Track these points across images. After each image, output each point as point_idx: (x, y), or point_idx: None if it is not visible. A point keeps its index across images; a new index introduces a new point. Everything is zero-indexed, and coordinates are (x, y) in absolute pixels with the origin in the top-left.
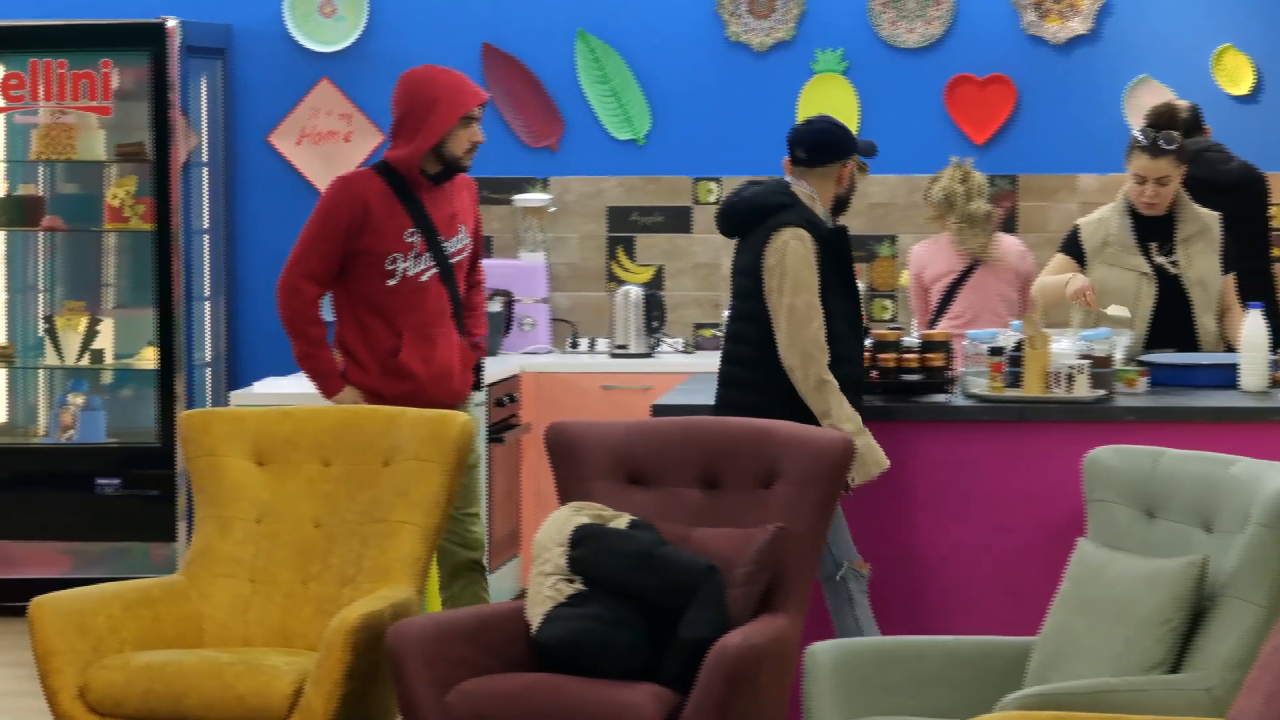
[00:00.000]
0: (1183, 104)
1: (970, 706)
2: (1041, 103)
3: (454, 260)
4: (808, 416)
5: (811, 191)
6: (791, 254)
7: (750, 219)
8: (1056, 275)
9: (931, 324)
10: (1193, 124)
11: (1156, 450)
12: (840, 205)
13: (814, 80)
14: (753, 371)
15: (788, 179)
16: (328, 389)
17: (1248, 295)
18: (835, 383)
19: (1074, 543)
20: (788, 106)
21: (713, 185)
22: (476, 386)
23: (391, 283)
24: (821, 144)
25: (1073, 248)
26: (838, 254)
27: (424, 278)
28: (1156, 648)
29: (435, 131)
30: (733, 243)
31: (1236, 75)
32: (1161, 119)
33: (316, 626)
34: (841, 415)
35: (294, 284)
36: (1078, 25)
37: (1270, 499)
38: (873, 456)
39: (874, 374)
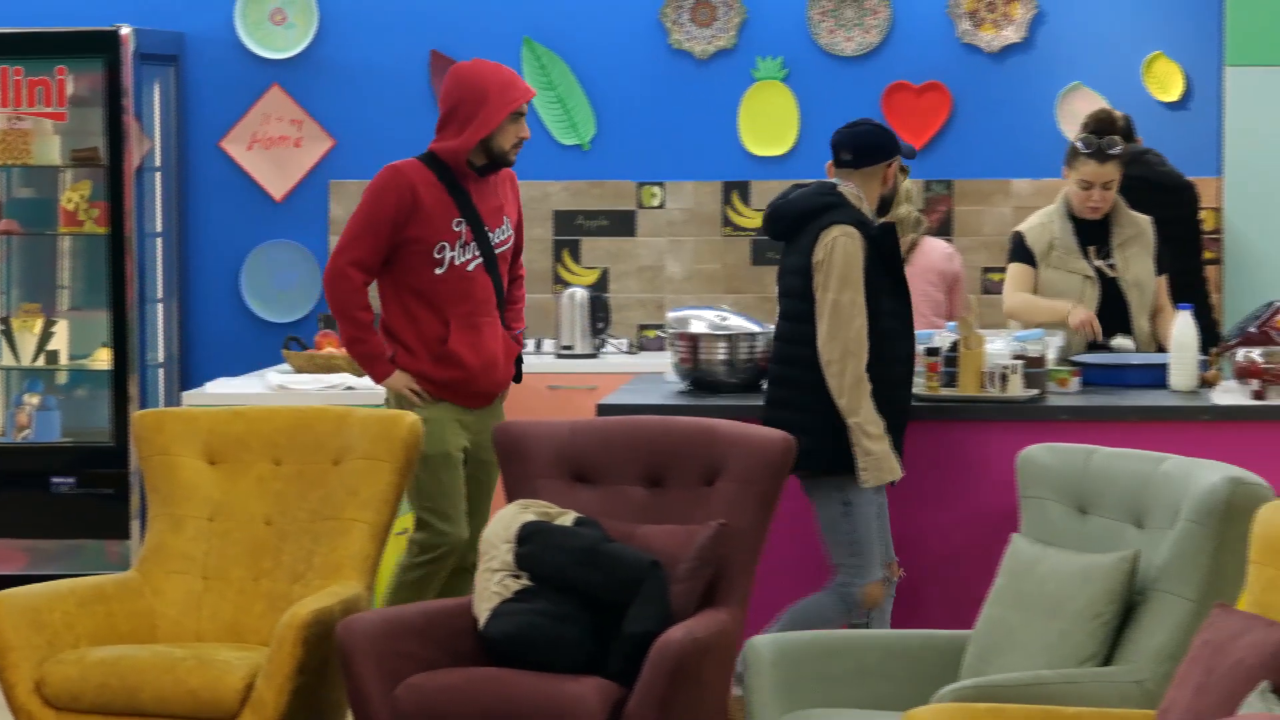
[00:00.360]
0: (1117, 112)
1: (907, 699)
2: (976, 109)
3: (499, 251)
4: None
5: (858, 192)
6: (840, 250)
7: (800, 221)
8: (1042, 300)
9: None
10: (1127, 130)
11: (1089, 448)
12: (884, 206)
13: (755, 87)
14: (804, 394)
15: (832, 180)
16: (378, 373)
17: (1179, 297)
18: (869, 385)
19: (1008, 538)
20: (729, 113)
21: (656, 190)
22: (516, 379)
23: (439, 271)
24: (867, 146)
25: (1023, 255)
26: (887, 253)
27: (470, 267)
28: (1089, 641)
29: (487, 125)
30: (674, 242)
31: (1166, 82)
32: (1103, 125)
33: (268, 622)
34: (868, 419)
35: (341, 270)
36: (1011, 34)
37: (1200, 496)
38: (888, 464)
39: None
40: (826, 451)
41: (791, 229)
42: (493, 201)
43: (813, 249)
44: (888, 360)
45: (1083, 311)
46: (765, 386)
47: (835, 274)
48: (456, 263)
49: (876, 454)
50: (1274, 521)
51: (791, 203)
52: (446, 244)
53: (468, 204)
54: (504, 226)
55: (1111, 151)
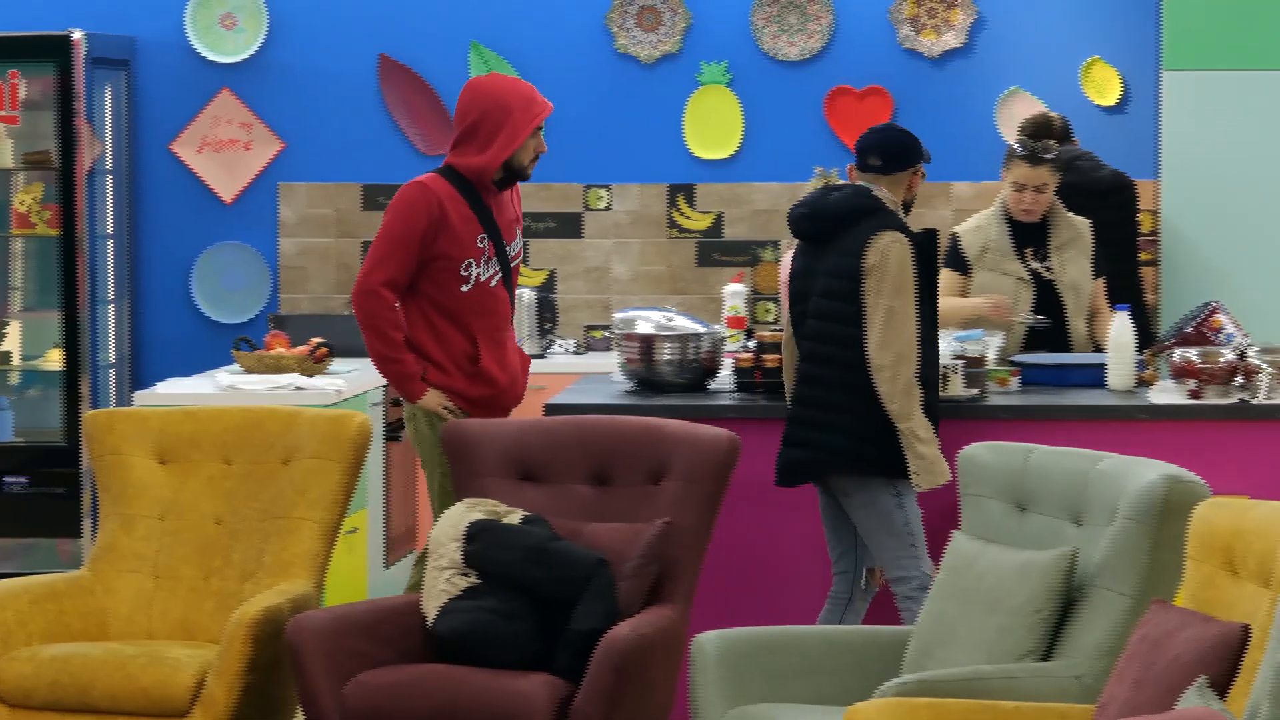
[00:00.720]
0: (1055, 115)
1: (850, 693)
2: (917, 113)
3: (513, 264)
4: (897, 453)
5: (891, 197)
6: (894, 256)
7: (839, 223)
8: (957, 299)
9: None
10: (1064, 134)
11: (1028, 446)
12: (905, 211)
13: (700, 91)
14: (834, 394)
15: (865, 185)
16: (412, 392)
17: (1116, 298)
18: (919, 390)
19: (949, 535)
20: (674, 116)
21: (602, 192)
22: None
23: (465, 288)
24: (897, 151)
25: (955, 258)
26: (928, 260)
27: (493, 283)
28: (1028, 636)
29: (513, 141)
30: (620, 244)
31: (1104, 87)
32: (1038, 129)
33: (218, 620)
34: (920, 423)
35: (373, 289)
36: (951, 39)
37: (1137, 494)
38: (939, 467)
39: (757, 374)
40: (868, 452)
41: (829, 230)
42: (509, 214)
43: (862, 252)
44: (925, 364)
45: (995, 298)
46: (797, 386)
47: (890, 280)
48: (482, 279)
49: (929, 458)
50: (1210, 519)
51: (831, 204)
52: (473, 260)
53: (490, 220)
54: (517, 239)
55: (1044, 155)
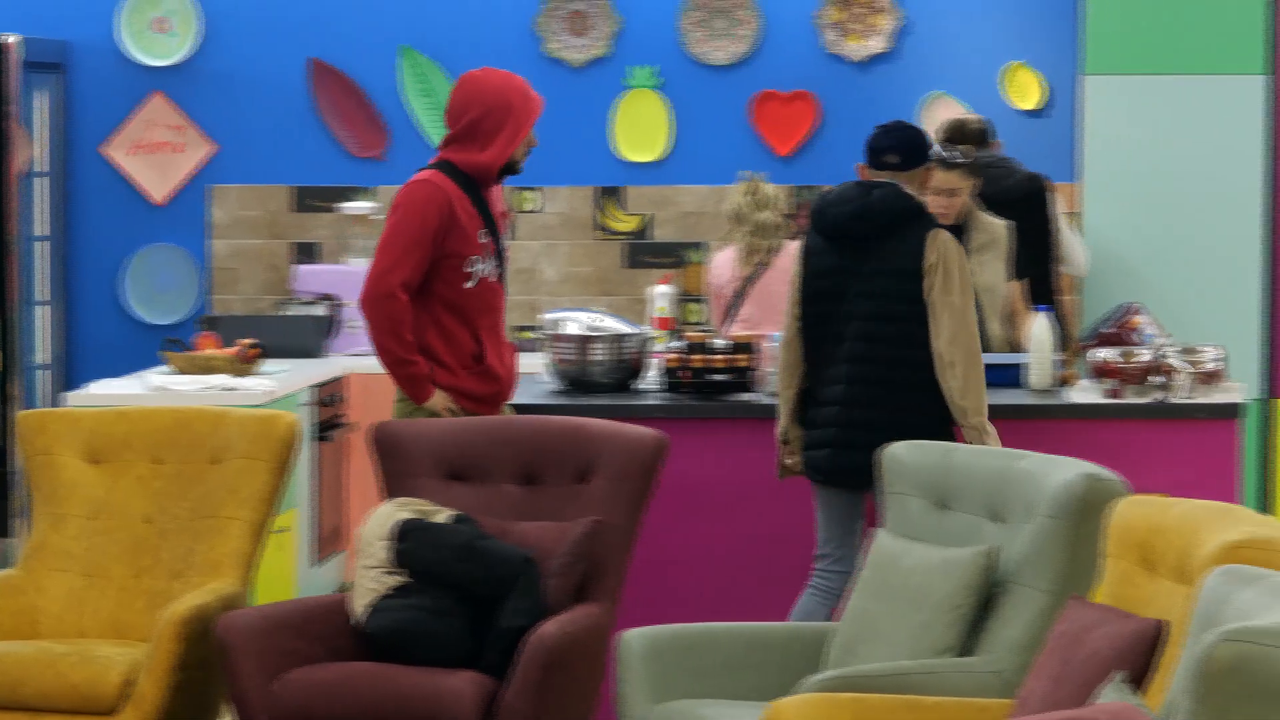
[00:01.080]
0: (973, 118)
1: (775, 689)
2: (842, 117)
3: (506, 258)
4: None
5: (918, 195)
6: (955, 254)
7: (892, 222)
8: None
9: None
10: (982, 137)
11: (949, 445)
12: None
13: (628, 95)
14: (889, 393)
15: (896, 184)
16: (420, 394)
17: (1035, 299)
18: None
19: (873, 534)
20: (603, 119)
21: (531, 194)
22: None
23: (469, 285)
24: (914, 148)
25: None
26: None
27: (492, 278)
28: (948, 632)
29: (516, 136)
30: (549, 246)
31: (1026, 91)
32: (953, 134)
33: (148, 619)
34: (987, 418)
35: (390, 292)
36: (876, 44)
37: (1056, 492)
38: None
39: (683, 373)
40: None
41: (879, 230)
42: (499, 208)
43: (920, 252)
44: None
45: None
46: (847, 387)
47: (955, 278)
48: (482, 274)
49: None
50: (1128, 516)
51: (879, 204)
52: (477, 257)
53: (489, 215)
54: (507, 232)
55: (955, 160)
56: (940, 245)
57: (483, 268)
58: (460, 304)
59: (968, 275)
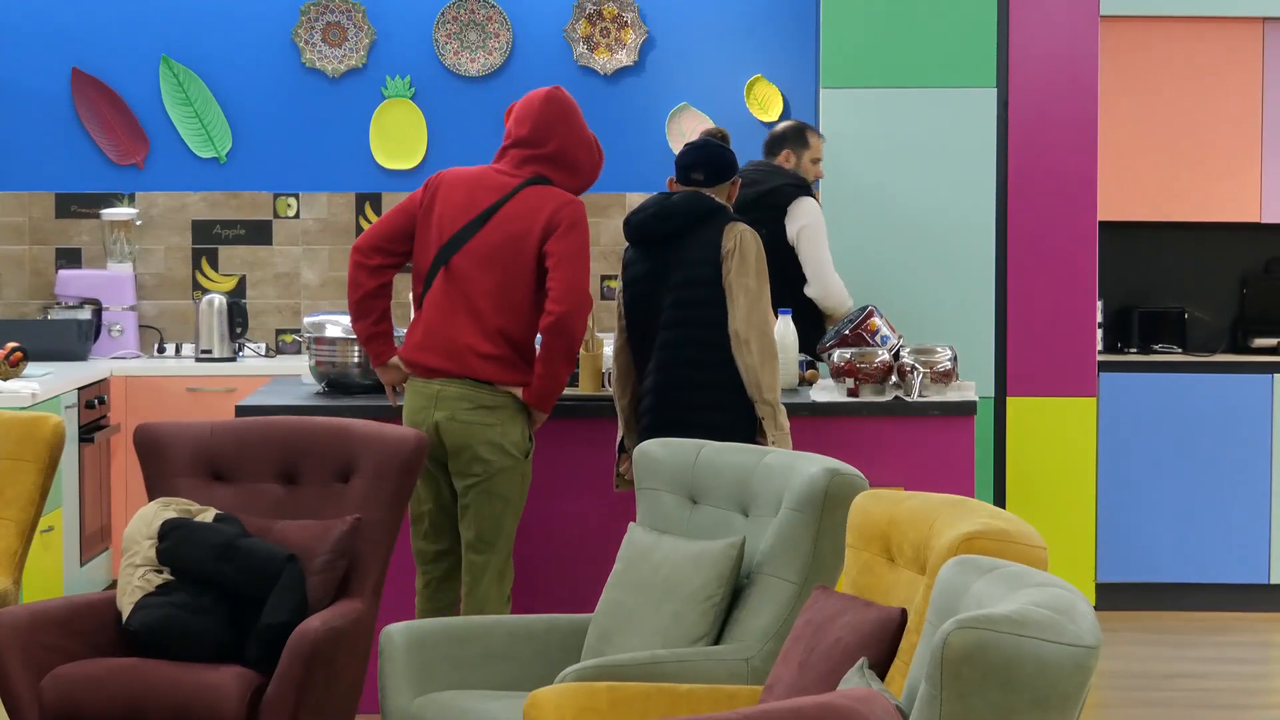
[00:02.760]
0: (716, 130)
1: (535, 679)
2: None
3: None
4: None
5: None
6: (750, 242)
7: (689, 220)
8: None
9: None
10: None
11: (699, 442)
12: None
13: (385, 104)
14: (718, 373)
15: (696, 190)
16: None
17: (777, 303)
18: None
19: (625, 528)
20: (360, 128)
21: (291, 200)
22: None
23: None
24: (719, 165)
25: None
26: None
27: None
28: (701, 622)
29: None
30: (309, 250)
31: (766, 103)
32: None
33: None
34: (778, 396)
35: (590, 307)
36: (624, 57)
37: (800, 486)
38: (789, 437)
39: None
40: (742, 426)
41: (678, 228)
42: None
43: (718, 241)
44: None
45: None
46: (659, 376)
47: (749, 263)
48: None
49: (786, 428)
50: (867, 509)
51: (676, 205)
52: None
53: None
54: None
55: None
56: (737, 233)
57: None
58: None
59: (764, 262)
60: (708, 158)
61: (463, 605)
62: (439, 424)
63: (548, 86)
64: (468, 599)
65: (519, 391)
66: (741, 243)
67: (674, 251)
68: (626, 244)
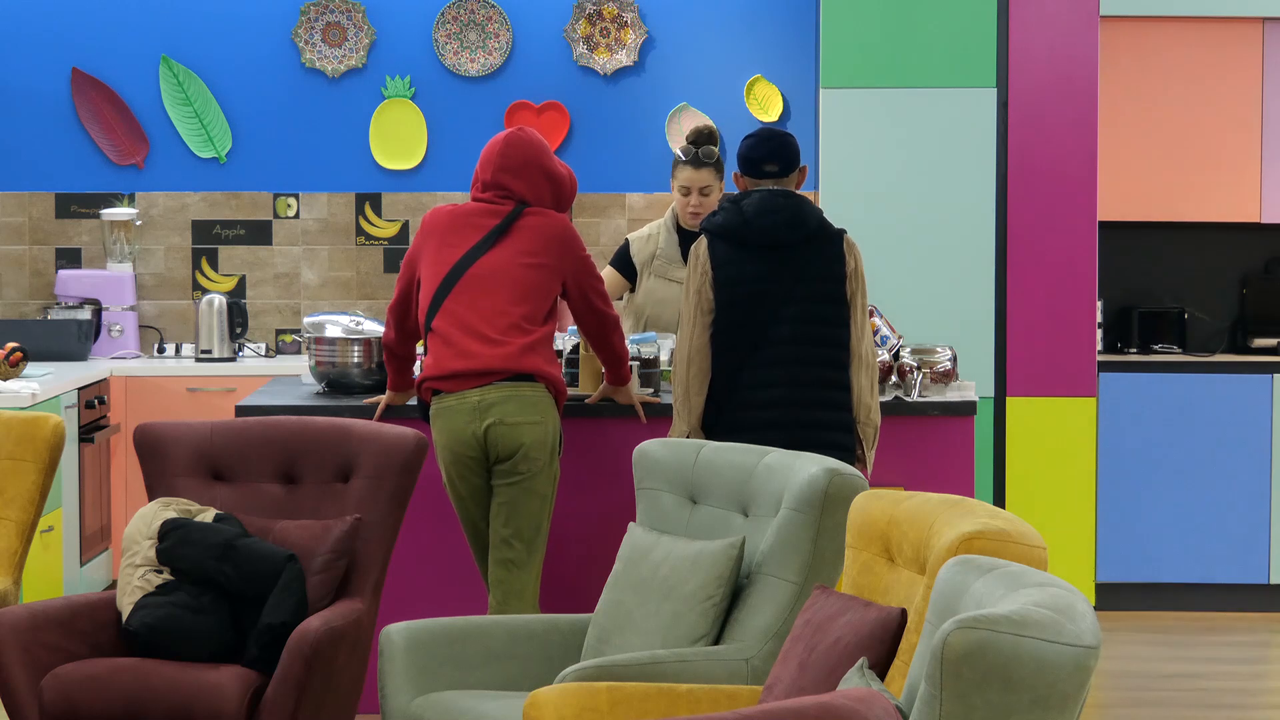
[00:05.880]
0: (706, 127)
1: (534, 679)
2: (592, 128)
3: None
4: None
5: None
6: (861, 257)
7: (818, 229)
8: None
9: None
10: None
11: (699, 443)
12: None
13: (384, 105)
14: (844, 394)
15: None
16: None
17: None
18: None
19: (625, 528)
20: (360, 128)
21: (291, 200)
22: None
23: None
24: (791, 155)
25: (623, 261)
26: None
27: None
28: (700, 622)
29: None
30: (309, 251)
31: (766, 103)
32: (701, 136)
33: None
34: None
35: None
36: (624, 58)
37: (799, 486)
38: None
39: None
40: (852, 445)
41: (807, 237)
42: None
43: (841, 256)
44: None
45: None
46: (787, 389)
47: (864, 281)
48: None
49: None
50: (868, 509)
51: (804, 212)
52: None
53: None
54: None
55: (707, 159)
56: (856, 253)
57: None
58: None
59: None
60: (780, 148)
61: (493, 600)
62: (489, 430)
63: (505, 131)
64: (502, 591)
65: (546, 388)
66: (859, 262)
67: (794, 259)
68: (706, 239)
